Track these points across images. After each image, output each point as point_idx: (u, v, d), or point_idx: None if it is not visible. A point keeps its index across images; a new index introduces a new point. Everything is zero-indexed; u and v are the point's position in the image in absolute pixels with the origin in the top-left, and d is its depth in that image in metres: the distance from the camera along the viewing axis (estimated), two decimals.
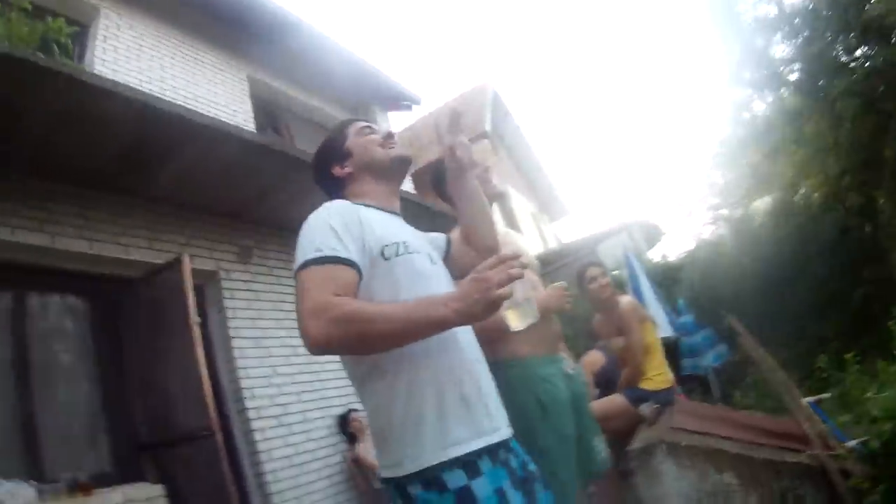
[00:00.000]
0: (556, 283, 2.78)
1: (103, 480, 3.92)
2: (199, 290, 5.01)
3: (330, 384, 5.78)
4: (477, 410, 1.51)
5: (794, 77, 7.60)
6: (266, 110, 7.77)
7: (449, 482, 1.40)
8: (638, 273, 6.83)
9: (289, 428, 5.22)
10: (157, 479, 4.15)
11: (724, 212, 9.38)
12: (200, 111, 4.97)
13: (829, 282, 6.63)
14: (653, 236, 13.56)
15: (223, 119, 6.05)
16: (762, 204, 8.38)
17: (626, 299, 4.34)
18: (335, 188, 1.86)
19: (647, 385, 4.13)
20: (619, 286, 5.48)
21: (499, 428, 1.55)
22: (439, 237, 1.95)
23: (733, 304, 7.15)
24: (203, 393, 3.89)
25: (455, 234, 2.02)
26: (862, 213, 6.56)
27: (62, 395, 4.13)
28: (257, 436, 4.91)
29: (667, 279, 7.81)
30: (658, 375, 4.18)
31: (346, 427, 5.62)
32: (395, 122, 10.15)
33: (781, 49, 7.74)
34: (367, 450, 5.36)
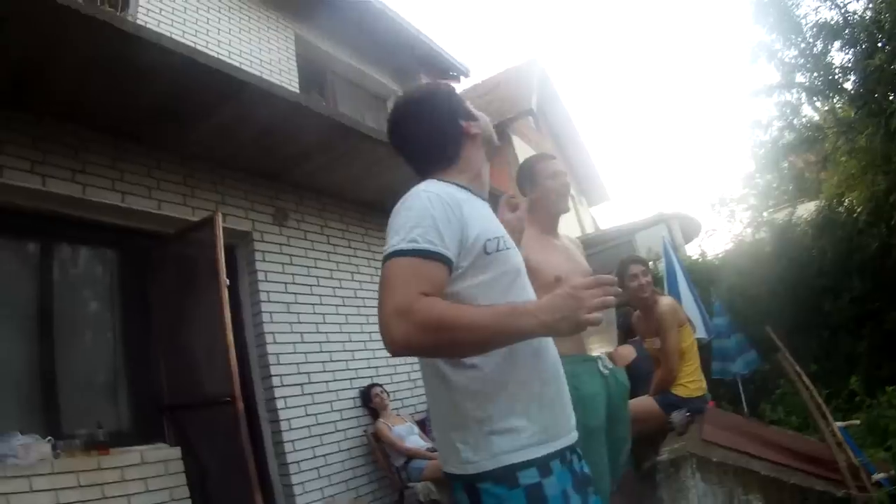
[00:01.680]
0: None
1: (121, 439, 3.87)
2: (230, 251, 4.94)
3: (358, 355, 5.68)
4: (558, 412, 1.50)
5: (849, 86, 7.34)
6: (311, 70, 7.60)
7: (521, 478, 1.37)
8: (676, 268, 6.59)
9: (312, 397, 5.13)
10: (176, 441, 4.10)
11: (766, 214, 9.07)
12: (244, 67, 4.84)
13: (867, 299, 6.38)
14: (691, 231, 13.22)
15: (267, 77, 5.95)
16: (805, 211, 8.08)
17: (665, 300, 4.12)
18: (446, 144, 1.67)
19: (679, 391, 3.94)
20: (656, 280, 5.30)
21: (571, 430, 1.55)
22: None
23: (768, 309, 6.97)
24: (228, 358, 3.78)
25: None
26: None
27: (85, 350, 4.07)
28: (279, 403, 4.83)
29: (703, 278, 7.56)
30: (692, 382, 3.98)
31: (368, 401, 5.52)
32: None
33: (840, 57, 7.56)
34: (387, 426, 5.27)
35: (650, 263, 10.79)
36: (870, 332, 6.29)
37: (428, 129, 1.67)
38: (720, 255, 8.78)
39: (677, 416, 3.78)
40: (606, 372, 2.57)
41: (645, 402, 3.95)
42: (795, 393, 5.84)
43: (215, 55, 4.16)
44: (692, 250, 10.85)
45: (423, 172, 1.66)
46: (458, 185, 1.59)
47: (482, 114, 1.77)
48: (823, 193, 8.49)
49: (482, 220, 1.51)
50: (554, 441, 1.45)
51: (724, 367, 6.15)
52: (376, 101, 8.75)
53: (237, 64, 4.82)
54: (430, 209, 1.40)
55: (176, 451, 3.99)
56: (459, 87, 11.30)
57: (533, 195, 2.78)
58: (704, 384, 4.09)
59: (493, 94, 12.78)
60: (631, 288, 4.09)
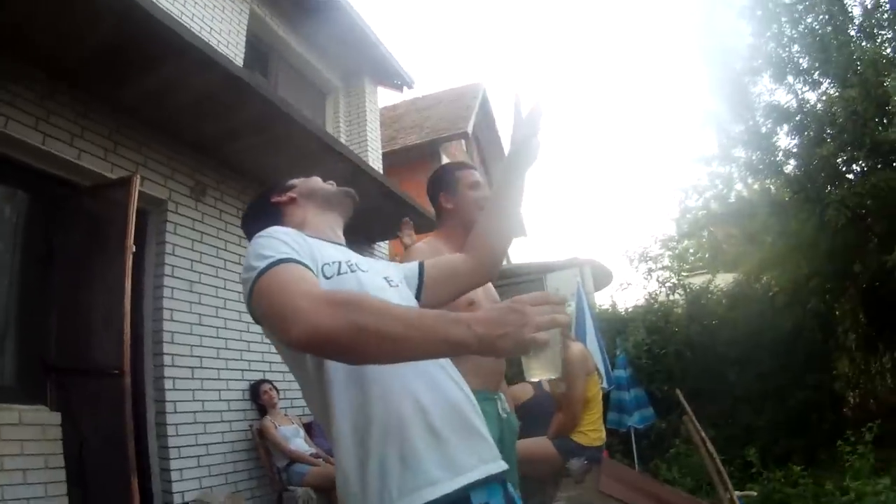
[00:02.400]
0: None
1: (1, 395, 3.60)
2: (143, 216, 4.72)
3: (254, 347, 5.47)
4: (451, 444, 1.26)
5: (788, 170, 7.67)
6: (258, 49, 7.37)
7: None
8: (586, 314, 6.71)
9: (201, 382, 4.90)
10: (57, 405, 3.83)
11: (683, 275, 9.37)
12: (192, 30, 4.63)
13: (773, 376, 6.70)
14: (602, 279, 13.51)
15: (213, 46, 5.75)
16: (722, 281, 8.42)
17: (576, 347, 4.13)
18: (265, 213, 1.69)
19: (579, 439, 3.97)
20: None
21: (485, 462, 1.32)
22: (409, 265, 1.71)
23: (672, 370, 7.21)
24: (122, 329, 3.57)
25: (430, 257, 1.78)
26: (819, 318, 6.64)
27: None
28: (167, 384, 4.58)
29: (611, 328, 7.75)
30: (593, 431, 4.02)
31: (257, 396, 5.33)
32: (383, 98, 9.77)
33: (786, 140, 7.84)
34: (274, 424, 5.12)
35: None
36: (772, 408, 6.57)
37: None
38: (630, 309, 9.00)
39: (575, 464, 3.78)
40: (504, 416, 2.40)
41: (542, 444, 3.96)
42: (690, 454, 6.10)
43: (164, 10, 3.92)
44: (601, 298, 11.08)
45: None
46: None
47: (304, 179, 1.76)
48: (741, 268, 8.77)
49: (321, 250, 1.41)
50: (456, 478, 1.23)
51: (621, 419, 6.29)
52: (317, 95, 8.57)
53: (186, 25, 4.59)
54: (277, 236, 1.33)
55: (56, 417, 3.76)
56: (398, 96, 11.28)
57: (448, 205, 2.47)
58: (604, 434, 4.14)
59: (432, 111, 12.79)
60: None
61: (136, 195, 3.85)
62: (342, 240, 1.65)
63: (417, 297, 1.61)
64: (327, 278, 1.33)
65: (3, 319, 3.88)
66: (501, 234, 1.75)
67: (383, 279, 1.48)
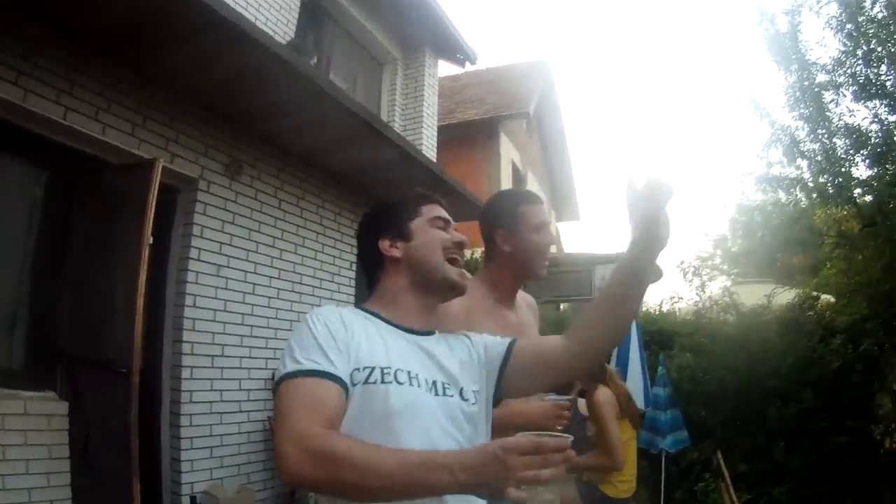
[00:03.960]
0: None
1: (8, 381, 3.49)
2: (171, 194, 4.53)
3: (281, 335, 5.27)
4: None
5: (860, 200, 7.11)
6: (313, 13, 7.02)
7: None
8: (631, 327, 6.30)
9: (221, 371, 4.73)
10: (66, 395, 3.71)
11: (736, 294, 8.83)
12: None
13: (813, 416, 6.29)
14: (652, 276, 13.08)
15: (264, 9, 5.47)
16: (784, 298, 7.89)
17: (603, 392, 3.63)
18: (371, 266, 1.52)
19: (606, 489, 3.64)
20: None
21: None
22: (498, 342, 1.51)
23: (712, 396, 6.91)
24: (133, 327, 3.37)
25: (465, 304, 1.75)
26: (868, 362, 6.17)
27: None
28: (185, 373, 4.42)
29: (654, 342, 7.34)
30: (623, 483, 3.69)
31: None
32: (443, 67, 9.34)
33: (861, 169, 7.22)
34: None
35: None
36: (807, 448, 6.20)
37: (359, 243, 1.61)
38: (679, 321, 8.56)
39: None
40: None
41: (568, 496, 3.62)
42: (717, 493, 5.80)
43: None
44: (648, 295, 10.63)
45: None
46: (365, 310, 1.44)
47: (427, 229, 1.48)
48: (799, 289, 8.30)
49: (371, 345, 1.31)
50: None
51: (653, 440, 5.94)
52: (373, 65, 8.22)
53: None
54: (317, 330, 1.27)
55: (63, 406, 3.66)
56: (462, 71, 10.84)
57: (505, 246, 2.07)
58: (634, 484, 3.80)
59: (494, 86, 12.32)
60: None
61: (157, 181, 3.61)
62: (430, 325, 1.48)
63: (500, 376, 1.47)
64: (353, 385, 1.26)
65: (14, 302, 3.74)
66: (613, 325, 1.47)
67: (429, 387, 1.34)
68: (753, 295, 8.18)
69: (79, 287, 3.80)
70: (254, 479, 4.92)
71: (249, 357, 4.98)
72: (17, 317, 3.74)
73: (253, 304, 5.04)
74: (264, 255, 5.20)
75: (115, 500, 3.47)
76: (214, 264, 4.70)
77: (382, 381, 1.27)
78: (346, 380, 1.24)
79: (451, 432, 1.31)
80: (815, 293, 7.79)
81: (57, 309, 3.83)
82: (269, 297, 5.21)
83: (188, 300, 4.47)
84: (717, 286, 9.61)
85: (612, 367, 4.58)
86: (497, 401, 1.50)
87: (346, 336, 1.29)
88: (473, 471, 1.05)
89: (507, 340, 1.49)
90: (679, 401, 6.39)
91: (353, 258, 6.36)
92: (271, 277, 5.25)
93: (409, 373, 1.30)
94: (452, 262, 1.46)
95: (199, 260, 4.58)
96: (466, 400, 1.37)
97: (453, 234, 1.49)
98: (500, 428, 1.91)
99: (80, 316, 3.77)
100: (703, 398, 6.89)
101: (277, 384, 1.22)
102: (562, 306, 10.85)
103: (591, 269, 10.43)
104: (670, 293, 11.01)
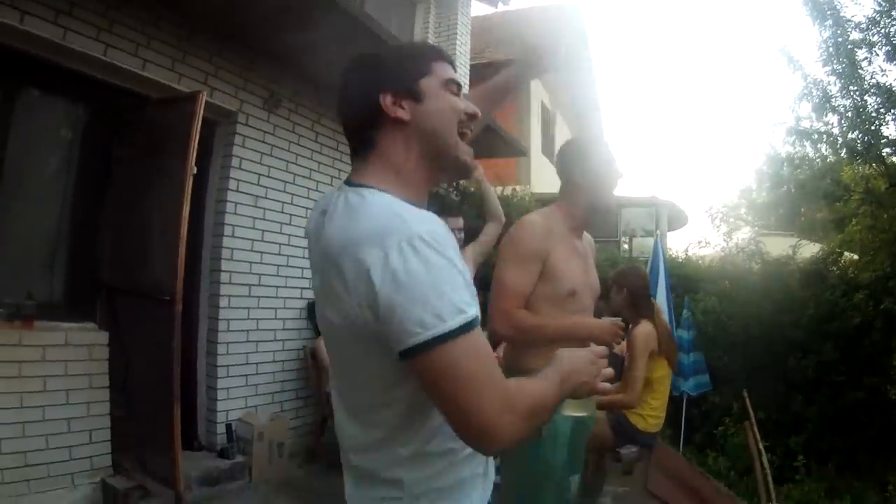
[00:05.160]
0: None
1: (48, 312, 3.59)
2: (210, 127, 4.55)
3: None
4: None
5: (889, 159, 7.11)
6: None
7: None
8: (660, 269, 6.34)
9: (258, 300, 4.86)
10: (106, 325, 3.82)
11: (762, 236, 8.79)
12: None
13: (832, 369, 6.34)
14: (677, 221, 13.04)
15: None
16: (808, 251, 7.87)
17: (642, 328, 3.71)
18: (363, 125, 1.20)
19: (637, 422, 3.73)
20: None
21: None
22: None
23: (735, 341, 6.97)
24: (177, 255, 3.45)
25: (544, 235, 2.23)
26: (889, 320, 6.16)
27: (28, 208, 3.68)
28: (222, 301, 4.56)
29: (680, 285, 7.36)
30: (652, 417, 3.77)
31: (314, 316, 5.24)
32: (475, 7, 9.14)
33: (891, 128, 7.22)
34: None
35: (625, 240, 10.62)
36: (824, 401, 6.29)
37: (346, 96, 1.24)
38: (704, 265, 8.57)
39: (626, 452, 3.61)
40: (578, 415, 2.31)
41: (601, 432, 3.73)
42: (737, 435, 5.90)
43: None
44: (673, 240, 10.63)
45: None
46: (370, 186, 1.12)
47: (440, 90, 1.22)
48: (824, 244, 8.26)
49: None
50: None
51: (675, 382, 6.00)
52: (407, 3, 8.09)
53: None
54: (451, 256, 1.00)
55: (104, 336, 3.75)
56: (492, 11, 10.64)
57: (580, 179, 2.35)
58: (663, 420, 3.89)
59: (523, 28, 12.06)
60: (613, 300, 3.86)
61: (200, 113, 3.63)
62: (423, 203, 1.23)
63: None
64: None
65: (56, 235, 3.83)
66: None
67: None
68: (777, 247, 8.18)
69: (119, 219, 3.90)
70: (287, 407, 5.10)
71: (285, 286, 5.10)
72: (57, 250, 3.85)
73: (290, 235, 5.14)
74: (301, 186, 5.26)
75: (154, 428, 3.61)
76: (252, 195, 4.78)
77: None
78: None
79: None
80: (838, 249, 7.79)
81: (97, 241, 3.94)
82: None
83: (226, 230, 4.57)
84: (741, 236, 9.55)
85: (656, 301, 4.63)
86: None
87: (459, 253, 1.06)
88: (576, 371, 1.20)
89: None
90: (702, 344, 6.46)
91: None
92: (307, 208, 5.30)
93: None
94: (462, 136, 1.23)
95: (237, 191, 4.66)
96: None
97: (467, 103, 1.25)
98: (564, 337, 2.12)
99: (121, 247, 3.88)
100: (727, 344, 6.95)
101: (435, 343, 0.95)
102: None
103: (618, 213, 10.41)
104: (697, 238, 11.00)
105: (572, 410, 1.35)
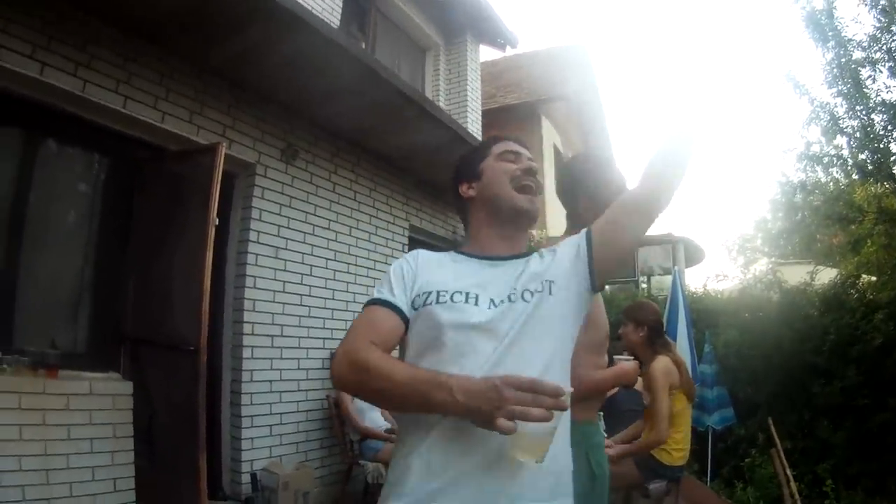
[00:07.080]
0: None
1: (72, 361, 3.62)
2: (229, 180, 4.62)
3: (338, 315, 5.39)
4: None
5: None
6: (357, 2, 7.10)
7: None
8: (680, 307, 6.29)
9: (280, 351, 4.85)
10: (130, 375, 3.83)
11: (779, 264, 8.75)
12: None
13: (856, 393, 6.23)
14: (694, 257, 12.97)
15: (309, 1, 5.55)
16: (826, 276, 7.79)
17: (661, 362, 3.68)
18: (461, 210, 1.67)
19: (662, 457, 3.67)
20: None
21: None
22: (577, 237, 1.56)
23: (757, 372, 6.90)
24: (200, 306, 3.47)
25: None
26: None
27: (52, 259, 3.73)
28: (245, 353, 4.56)
29: (700, 320, 7.29)
30: (677, 451, 3.71)
31: None
32: (485, 55, 9.32)
33: None
34: (350, 396, 4.98)
35: (643, 279, 10.55)
36: (851, 426, 6.17)
37: (453, 194, 1.71)
38: (722, 296, 8.51)
39: (655, 487, 3.55)
40: (598, 472, 2.21)
41: (627, 472, 3.66)
42: (764, 467, 5.79)
43: None
44: (691, 277, 10.57)
45: None
46: (455, 251, 1.59)
47: (495, 167, 1.58)
48: (840, 267, 8.20)
49: (439, 275, 1.46)
50: None
51: (700, 417, 5.96)
52: (416, 51, 8.26)
53: None
54: (393, 270, 1.49)
55: (128, 386, 3.76)
56: (500, 53, 10.84)
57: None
58: (688, 452, 3.83)
59: (532, 70, 12.24)
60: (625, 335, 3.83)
61: (221, 164, 3.70)
62: (513, 250, 1.55)
63: (590, 259, 1.49)
64: (415, 309, 1.42)
65: (79, 286, 3.88)
66: (677, 161, 1.54)
67: (489, 303, 1.40)
68: (794, 275, 8.12)
69: (141, 271, 3.92)
70: (311, 456, 5.04)
71: (308, 337, 5.10)
72: (81, 301, 3.88)
73: (310, 286, 5.16)
74: (320, 237, 5.31)
75: (178, 478, 3.56)
76: (273, 246, 4.82)
77: (437, 302, 1.39)
78: (406, 306, 1.42)
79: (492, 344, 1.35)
80: (855, 272, 7.72)
81: (120, 293, 3.96)
82: (326, 279, 5.32)
83: (248, 281, 4.60)
84: (758, 268, 9.50)
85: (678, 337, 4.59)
86: (600, 286, 1.55)
87: (413, 271, 1.47)
88: (471, 395, 1.14)
89: (583, 231, 1.56)
90: (725, 377, 6.40)
91: (406, 240, 6.48)
92: (327, 259, 5.35)
93: (467, 294, 1.40)
94: (524, 189, 1.53)
95: (258, 242, 4.70)
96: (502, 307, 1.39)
97: (523, 162, 1.57)
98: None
99: (144, 299, 3.89)
100: (749, 375, 6.89)
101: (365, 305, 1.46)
102: (606, 287, 10.82)
103: (634, 251, 10.37)
104: (715, 272, 10.97)
105: (521, 455, 1.18)
